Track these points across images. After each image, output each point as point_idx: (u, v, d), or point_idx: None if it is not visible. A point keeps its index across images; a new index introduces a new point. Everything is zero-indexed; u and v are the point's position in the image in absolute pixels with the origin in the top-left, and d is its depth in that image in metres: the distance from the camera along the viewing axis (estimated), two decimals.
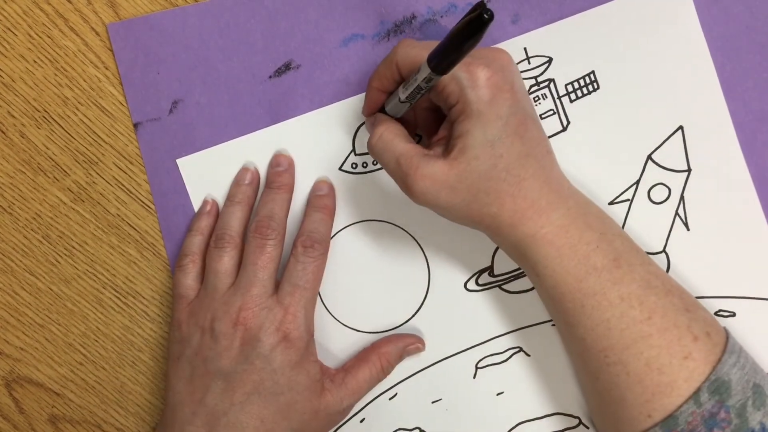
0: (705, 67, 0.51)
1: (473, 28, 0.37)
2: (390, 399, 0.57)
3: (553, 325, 0.55)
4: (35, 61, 0.54)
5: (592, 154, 0.53)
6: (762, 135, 0.52)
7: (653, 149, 0.52)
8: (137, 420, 0.60)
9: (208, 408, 0.50)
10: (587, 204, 0.48)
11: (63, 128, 0.55)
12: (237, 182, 0.55)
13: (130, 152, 0.56)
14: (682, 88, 0.52)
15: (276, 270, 0.53)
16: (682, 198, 0.53)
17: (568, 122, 0.53)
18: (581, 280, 0.46)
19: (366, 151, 0.54)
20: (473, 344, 0.56)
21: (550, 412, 0.56)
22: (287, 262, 0.53)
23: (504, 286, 0.55)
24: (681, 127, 0.52)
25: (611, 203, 0.53)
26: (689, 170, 0.52)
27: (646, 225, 0.53)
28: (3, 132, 0.55)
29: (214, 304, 0.52)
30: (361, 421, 0.58)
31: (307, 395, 0.52)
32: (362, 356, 0.55)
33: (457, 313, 0.56)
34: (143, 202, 0.56)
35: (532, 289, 0.55)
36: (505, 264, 0.55)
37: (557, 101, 0.53)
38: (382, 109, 0.51)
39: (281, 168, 0.54)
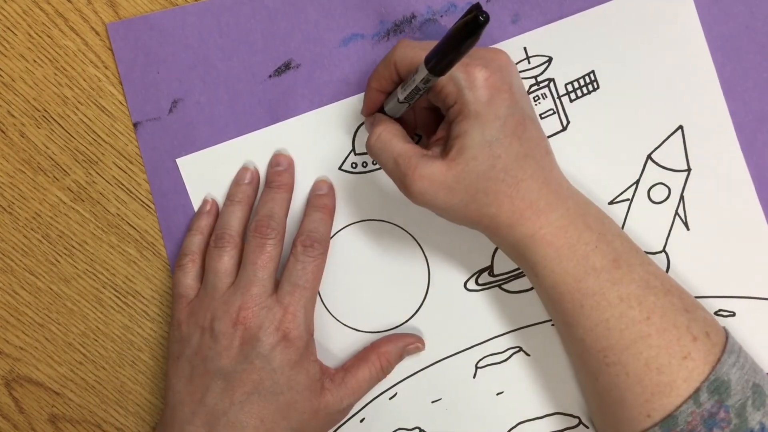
0: (705, 67, 0.51)
1: (469, 31, 0.37)
2: (390, 399, 0.57)
3: (553, 324, 0.55)
4: (35, 61, 0.54)
5: (592, 153, 0.53)
6: (762, 135, 0.52)
7: (653, 149, 0.52)
8: (137, 420, 0.60)
9: (208, 407, 0.50)
10: (586, 204, 0.48)
11: (63, 128, 0.55)
12: (237, 182, 0.55)
13: (129, 152, 0.56)
14: (682, 88, 0.52)
15: (276, 269, 0.53)
16: (681, 198, 0.53)
17: (568, 122, 0.53)
18: (580, 280, 0.46)
19: (366, 150, 0.54)
20: (473, 344, 0.56)
21: (550, 412, 0.56)
22: (287, 262, 0.53)
23: (504, 286, 0.55)
24: (681, 127, 0.52)
25: (611, 203, 0.53)
26: (689, 170, 0.52)
27: (646, 225, 0.53)
28: (3, 131, 0.55)
29: (214, 303, 0.52)
30: (361, 421, 0.58)
31: (307, 395, 0.52)
32: (362, 356, 0.55)
33: (457, 312, 0.56)
34: (143, 202, 0.56)
35: (532, 288, 0.55)
36: (504, 264, 0.55)
37: (557, 101, 0.53)
38: (381, 110, 0.51)
39: (281, 167, 0.54)
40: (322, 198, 0.54)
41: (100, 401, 0.60)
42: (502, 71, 0.45)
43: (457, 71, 0.44)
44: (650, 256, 0.52)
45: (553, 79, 0.52)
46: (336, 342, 0.57)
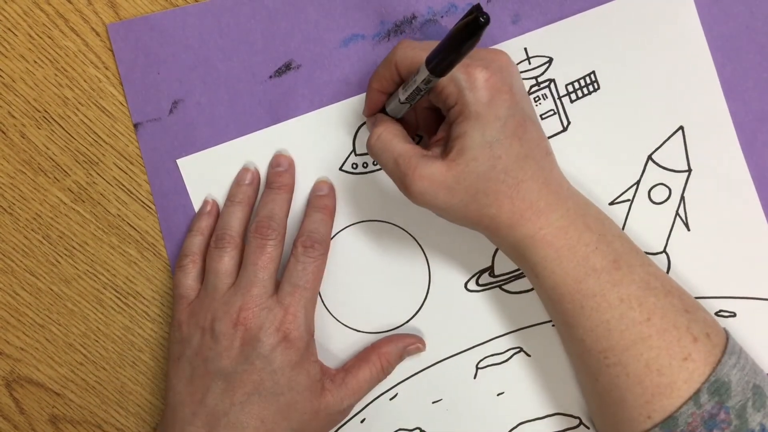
0: (705, 67, 0.51)
1: (469, 32, 0.37)
2: (390, 399, 0.57)
3: (553, 325, 0.55)
4: (35, 62, 0.54)
5: (592, 154, 0.53)
6: (762, 135, 0.52)
7: (653, 149, 0.52)
8: (137, 420, 0.60)
9: (209, 408, 0.50)
10: (586, 205, 0.48)
11: (63, 128, 0.55)
12: (237, 182, 0.55)
13: (130, 152, 0.56)
14: (682, 88, 0.52)
15: (276, 270, 0.53)
16: (682, 198, 0.53)
17: (569, 122, 0.53)
18: (580, 281, 0.46)
19: (366, 151, 0.54)
20: (473, 344, 0.56)
21: (550, 413, 0.56)
22: (287, 262, 0.53)
23: (504, 287, 0.55)
24: (681, 128, 0.52)
25: (611, 203, 0.53)
26: (689, 170, 0.52)
27: (647, 225, 0.53)
28: (3, 132, 0.55)
29: (215, 304, 0.52)
30: (362, 422, 0.58)
31: (308, 395, 0.52)
32: (362, 356, 0.55)
33: (458, 313, 0.56)
34: (143, 203, 0.56)
35: (533, 289, 0.55)
36: (505, 264, 0.55)
37: (557, 101, 0.53)
38: (383, 110, 0.51)
39: (281, 168, 0.54)
40: (322, 198, 0.54)
41: (100, 402, 0.60)
42: (502, 72, 0.45)
43: (458, 72, 0.44)
44: (651, 256, 0.52)
45: (553, 80, 0.52)
46: (336, 342, 0.57)
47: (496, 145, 0.44)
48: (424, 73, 0.42)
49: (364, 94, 0.53)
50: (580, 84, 0.52)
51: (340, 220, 0.56)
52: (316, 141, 0.55)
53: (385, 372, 0.55)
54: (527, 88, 0.52)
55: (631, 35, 0.51)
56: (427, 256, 0.55)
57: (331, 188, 0.55)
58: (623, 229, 0.53)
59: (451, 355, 0.56)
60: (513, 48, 0.52)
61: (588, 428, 0.56)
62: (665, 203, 0.53)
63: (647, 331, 0.45)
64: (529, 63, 0.52)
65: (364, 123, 0.54)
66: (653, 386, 0.45)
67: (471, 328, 0.56)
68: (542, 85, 0.52)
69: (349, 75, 0.54)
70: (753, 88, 0.51)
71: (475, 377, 0.56)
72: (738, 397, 0.44)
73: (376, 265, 0.56)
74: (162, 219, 0.56)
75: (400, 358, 0.55)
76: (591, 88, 0.52)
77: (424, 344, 0.56)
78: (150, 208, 0.56)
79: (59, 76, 0.55)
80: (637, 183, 0.53)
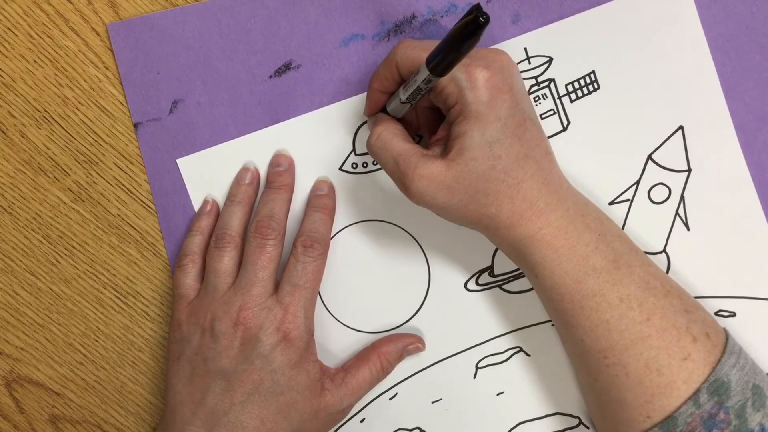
0: (705, 67, 0.51)
1: (469, 31, 0.37)
2: (390, 399, 0.57)
3: (553, 325, 0.55)
4: (35, 61, 0.54)
5: (592, 154, 0.53)
6: (762, 135, 0.52)
7: (653, 149, 0.52)
8: (137, 420, 0.60)
9: (208, 408, 0.50)
10: (586, 205, 0.48)
11: (63, 128, 0.55)
12: (237, 182, 0.55)
13: (130, 152, 0.56)
14: (682, 88, 0.52)
15: (276, 270, 0.53)
16: (682, 198, 0.53)
17: (569, 122, 0.53)
18: (580, 281, 0.46)
19: (366, 151, 0.54)
20: (473, 344, 0.56)
21: (550, 412, 0.56)
22: (287, 262, 0.53)
23: (504, 286, 0.55)
24: (681, 127, 0.52)
25: (611, 203, 0.53)
26: (689, 170, 0.52)
27: (647, 225, 0.53)
28: (3, 132, 0.55)
29: (215, 303, 0.52)
30: (362, 421, 0.58)
31: (307, 395, 0.52)
32: (362, 356, 0.55)
33: (457, 313, 0.56)
34: (143, 202, 0.56)
35: (532, 289, 0.55)
36: (505, 264, 0.55)
37: (557, 101, 0.53)
38: (383, 110, 0.51)
39: (281, 168, 0.54)
40: (322, 198, 0.54)
41: (100, 401, 0.60)
42: (503, 72, 0.45)
43: (458, 72, 0.44)
44: (651, 256, 0.52)
45: (553, 80, 0.52)
46: (336, 342, 0.57)
47: (496, 144, 0.44)
48: (425, 73, 0.42)
49: (364, 94, 0.53)
50: (579, 84, 0.52)
51: (340, 219, 0.56)
52: (316, 141, 0.55)
53: (385, 372, 0.55)
54: (527, 88, 0.52)
55: (631, 35, 0.51)
56: (426, 255, 0.55)
57: (331, 188, 0.55)
58: (623, 228, 0.53)
59: (450, 354, 0.56)
60: (513, 48, 0.52)
61: (587, 428, 0.56)
62: (665, 203, 0.53)
63: (647, 331, 0.45)
64: (529, 63, 0.52)
65: (363, 123, 0.54)
66: (653, 386, 0.45)
67: (471, 327, 0.56)
68: (542, 85, 0.52)
69: (349, 75, 0.54)
70: (753, 88, 0.51)
71: (474, 377, 0.56)
72: (737, 397, 0.44)
73: (376, 264, 0.56)
74: (162, 219, 0.56)
75: (400, 357, 0.55)
76: (591, 87, 0.52)
77: (423, 344, 0.56)
78: (150, 207, 0.56)
79: (59, 76, 0.55)
80: (637, 183, 0.53)
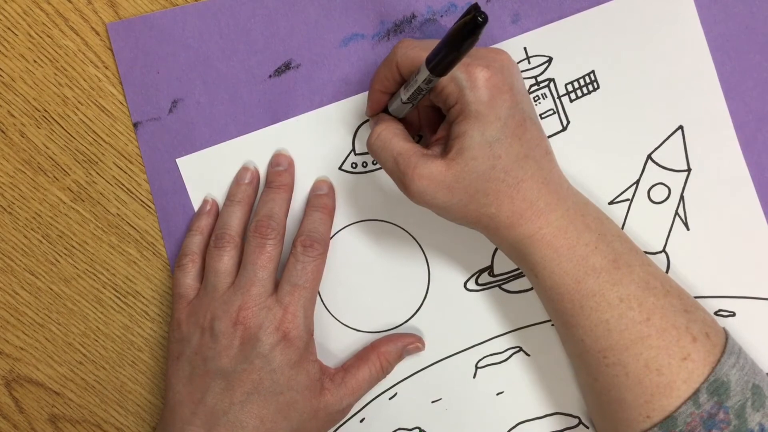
0: (705, 67, 0.51)
1: (468, 31, 0.37)
2: (390, 399, 0.57)
3: (553, 325, 0.55)
4: (35, 61, 0.54)
5: (591, 153, 0.53)
6: (762, 135, 0.52)
7: (653, 149, 0.52)
8: (137, 419, 0.60)
9: (208, 407, 0.50)
10: (586, 205, 0.48)
11: (63, 128, 0.55)
12: (237, 182, 0.55)
13: (130, 152, 0.56)
14: (682, 87, 0.52)
15: (276, 269, 0.53)
16: (681, 198, 0.53)
17: (568, 122, 0.53)
18: (580, 281, 0.46)
19: (366, 150, 0.54)
20: (473, 344, 0.56)
21: (549, 412, 0.56)
22: (287, 262, 0.53)
23: (504, 286, 0.55)
24: (681, 127, 0.52)
25: (611, 203, 0.53)
26: (689, 170, 0.52)
27: (646, 225, 0.53)
28: (3, 131, 0.55)
29: (214, 303, 0.52)
30: (361, 421, 0.58)
31: (307, 394, 0.52)
32: (362, 355, 0.55)
33: (457, 312, 0.56)
34: (143, 202, 0.56)
35: (532, 289, 0.55)
36: (504, 264, 0.55)
37: (557, 101, 0.53)
38: (385, 110, 0.51)
39: (281, 167, 0.54)
40: (322, 198, 0.54)
41: (100, 401, 0.60)
42: (503, 71, 0.45)
43: (459, 71, 0.44)
44: (650, 256, 0.52)
45: (553, 79, 0.52)
46: (336, 342, 0.57)
47: (496, 144, 0.44)
48: (425, 73, 0.42)
49: (364, 94, 0.53)
50: (579, 83, 0.52)
51: (340, 219, 0.56)
52: (316, 140, 0.55)
53: (385, 371, 0.55)
54: (527, 88, 0.52)
55: (630, 35, 0.51)
56: (426, 255, 0.55)
57: (331, 187, 0.55)
58: (623, 228, 0.53)
59: (450, 354, 0.56)
60: (513, 47, 0.52)
61: (587, 428, 0.56)
62: (665, 203, 0.53)
63: (646, 331, 0.45)
64: (529, 62, 0.52)
65: (363, 123, 0.54)
66: (652, 386, 0.45)
67: (470, 327, 0.56)
68: (542, 85, 0.52)
69: (349, 74, 0.54)
70: (753, 88, 0.51)
71: (474, 377, 0.56)
72: (737, 397, 0.44)
73: (376, 264, 0.56)
74: (161, 218, 0.56)
75: (400, 357, 0.55)
76: (590, 87, 0.52)
77: (423, 344, 0.56)
78: (149, 207, 0.56)
79: (59, 76, 0.55)
80: (637, 182, 0.53)
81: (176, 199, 0.56)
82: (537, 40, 0.52)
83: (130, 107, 0.55)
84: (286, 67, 0.54)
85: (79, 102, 0.55)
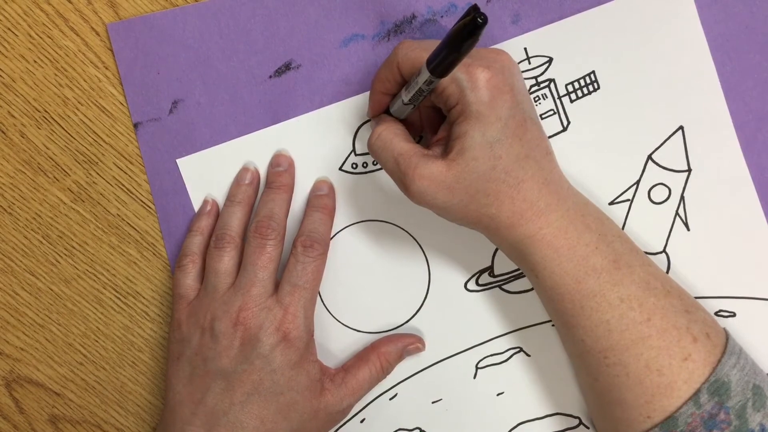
0: (705, 67, 0.51)
1: (467, 32, 0.37)
2: (390, 399, 0.57)
3: (553, 325, 0.55)
4: (35, 61, 0.54)
5: (592, 154, 0.53)
6: (762, 135, 0.52)
7: (653, 149, 0.52)
8: (137, 420, 0.60)
9: (208, 408, 0.50)
10: (586, 205, 0.48)
11: (63, 128, 0.55)
12: (237, 182, 0.55)
13: (130, 152, 0.56)
14: (682, 88, 0.52)
15: (276, 270, 0.53)
16: (682, 198, 0.53)
17: (569, 122, 0.53)
18: (580, 281, 0.46)
19: (366, 151, 0.54)
20: (473, 344, 0.56)
21: (550, 413, 0.56)
22: (287, 262, 0.53)
23: (504, 287, 0.55)
24: (681, 127, 0.52)
25: (611, 203, 0.53)
26: (689, 170, 0.52)
27: (646, 225, 0.53)
28: (3, 132, 0.55)
29: (214, 304, 0.52)
30: (362, 422, 0.58)
31: (307, 395, 0.52)
32: (362, 356, 0.55)
33: (457, 313, 0.56)
34: (143, 202, 0.56)
35: (532, 289, 0.55)
36: (505, 264, 0.55)
37: (557, 101, 0.53)
38: (387, 111, 0.51)
39: (281, 168, 0.54)
40: (322, 198, 0.54)
41: (100, 402, 0.60)
42: (504, 72, 0.45)
43: (459, 72, 0.44)
44: (651, 256, 0.52)
45: (553, 80, 0.52)
46: (336, 342, 0.57)
47: (497, 145, 0.44)
48: (426, 74, 0.42)
49: (364, 94, 0.53)
50: (579, 84, 0.52)
51: (340, 219, 0.56)
52: (316, 141, 0.55)
53: (385, 372, 0.55)
54: (527, 88, 0.52)
55: (631, 35, 0.51)
56: (426, 256, 0.55)
57: (331, 188, 0.55)
58: (623, 228, 0.53)
59: (450, 355, 0.56)
60: (513, 48, 0.52)
61: (587, 428, 0.56)
62: (665, 203, 0.53)
63: (647, 331, 0.45)
64: (529, 63, 0.52)
65: (363, 123, 0.54)
66: (653, 386, 0.45)
67: (471, 328, 0.56)
68: (542, 85, 0.52)
69: (349, 75, 0.54)
70: (753, 88, 0.51)
71: (474, 377, 0.56)
72: (738, 398, 0.44)
73: (376, 265, 0.56)
74: (162, 219, 0.56)
75: (400, 357, 0.55)
76: (591, 87, 0.52)
77: (423, 344, 0.56)
78: (150, 207, 0.56)
79: (59, 76, 0.55)
80: (637, 183, 0.53)
81: (176, 199, 0.56)
82: (537, 40, 0.52)
83: (131, 108, 0.55)
84: (287, 67, 0.54)
85: (79, 102, 0.55)
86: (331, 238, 0.55)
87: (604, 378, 0.47)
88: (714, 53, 0.51)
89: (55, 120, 0.55)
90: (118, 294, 0.58)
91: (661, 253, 0.53)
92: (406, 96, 0.46)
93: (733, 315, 0.53)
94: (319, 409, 0.52)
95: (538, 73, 0.52)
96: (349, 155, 0.55)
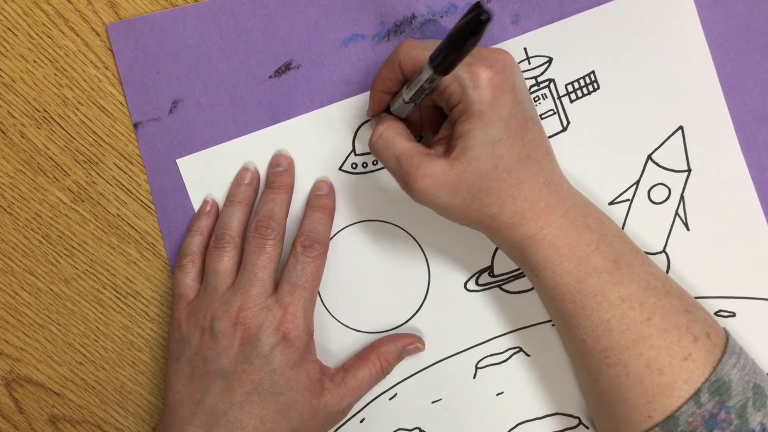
0: (705, 67, 0.51)
1: (471, 29, 0.37)
2: (390, 399, 0.57)
3: (553, 325, 0.55)
4: (35, 61, 0.54)
5: (592, 154, 0.53)
6: (762, 135, 0.52)
7: (653, 149, 0.52)
8: (137, 420, 0.60)
9: (208, 408, 0.50)
10: (586, 205, 0.48)
11: (63, 128, 0.55)
12: (237, 182, 0.55)
13: (130, 152, 0.56)
14: (682, 88, 0.52)
15: (275, 270, 0.53)
16: (682, 198, 0.53)
17: (568, 122, 0.53)
18: (581, 281, 0.46)
19: (366, 151, 0.54)
20: (473, 344, 0.56)
21: (550, 412, 0.56)
22: (287, 262, 0.53)
23: (504, 286, 0.55)
24: (681, 127, 0.52)
25: (611, 203, 0.53)
26: (689, 170, 0.52)
27: (646, 225, 0.53)
28: (3, 132, 0.55)
29: (214, 303, 0.52)
30: (361, 421, 0.58)
31: (307, 395, 0.52)
32: (362, 356, 0.55)
33: (457, 313, 0.56)
34: (143, 202, 0.56)
35: (532, 289, 0.55)
36: (505, 264, 0.55)
37: (557, 101, 0.53)
38: (387, 110, 0.51)
39: (281, 168, 0.54)
40: (322, 198, 0.54)
41: (100, 402, 0.60)
42: (505, 72, 0.45)
43: (462, 71, 0.44)
44: (650, 256, 0.52)
45: (553, 80, 0.52)
46: (336, 342, 0.57)
47: (499, 144, 0.44)
48: (428, 72, 0.42)
49: (364, 94, 0.53)
50: (579, 84, 0.52)
51: (340, 219, 0.56)
52: (316, 141, 0.55)
53: (385, 372, 0.55)
54: (527, 88, 0.52)
55: (630, 35, 0.52)
56: (426, 255, 0.55)
57: (331, 188, 0.55)
58: (623, 228, 0.53)
59: (450, 354, 0.56)
60: (513, 48, 0.52)
61: (587, 428, 0.56)
62: (665, 203, 0.53)
63: (648, 331, 0.45)
64: (529, 63, 0.52)
65: (363, 123, 0.54)
66: (654, 386, 0.45)
67: (470, 328, 0.56)
68: (542, 85, 0.52)
69: (349, 75, 0.54)
70: (753, 88, 0.51)
71: (474, 377, 0.56)
72: (738, 397, 0.44)
73: (376, 265, 0.56)
74: (161, 219, 0.56)
75: (400, 357, 0.55)
76: (591, 87, 0.52)
77: (423, 344, 0.56)
78: (149, 207, 0.56)
79: (59, 76, 0.54)
80: (637, 183, 0.53)
81: (176, 199, 0.56)
82: (537, 40, 0.52)
83: (130, 108, 0.55)
84: (286, 67, 0.54)
85: (79, 102, 0.55)
86: (331, 238, 0.55)
87: (604, 378, 0.47)
88: (714, 53, 0.51)
89: (55, 120, 0.55)
90: (117, 294, 0.58)
91: (660, 253, 0.53)
92: (407, 94, 0.46)
93: (733, 315, 0.53)
94: (318, 408, 0.52)
95: (538, 73, 0.52)
96: (349, 155, 0.55)
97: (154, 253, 0.57)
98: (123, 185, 0.56)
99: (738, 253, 0.53)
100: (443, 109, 0.48)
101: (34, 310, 0.58)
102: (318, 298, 0.56)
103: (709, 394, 0.44)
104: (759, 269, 0.53)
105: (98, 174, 0.56)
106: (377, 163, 0.54)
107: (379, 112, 0.51)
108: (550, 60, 0.52)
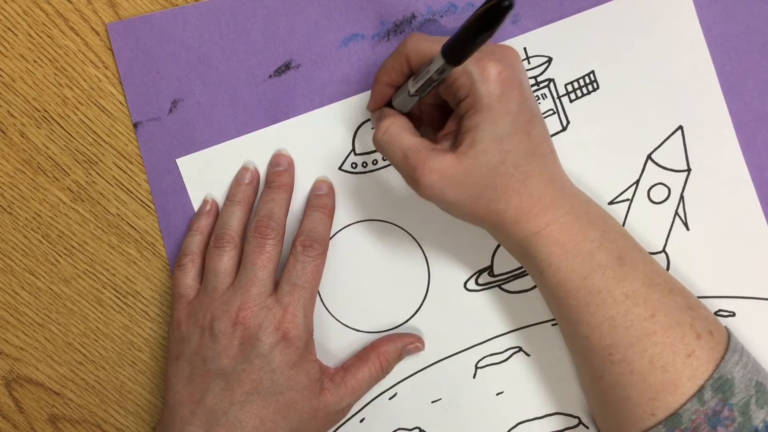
0: (705, 67, 0.51)
1: (493, 17, 0.36)
2: (390, 399, 0.57)
3: (553, 324, 0.55)
4: (35, 61, 0.54)
5: (591, 153, 0.53)
6: (762, 135, 0.52)
7: (653, 149, 0.53)
8: (137, 419, 0.60)
9: (208, 407, 0.50)
10: (589, 203, 0.48)
11: (63, 128, 0.55)
12: (237, 182, 0.55)
13: (129, 152, 0.56)
14: (682, 88, 0.52)
15: (275, 269, 0.53)
16: (681, 198, 0.53)
17: (568, 122, 0.53)
18: (586, 277, 0.46)
19: (366, 150, 0.54)
20: (473, 344, 0.56)
21: (549, 412, 0.56)
22: (286, 262, 0.53)
23: (504, 286, 0.55)
24: (681, 127, 0.52)
25: (611, 203, 0.53)
26: (689, 170, 0.53)
27: (646, 225, 0.53)
28: (3, 132, 0.55)
29: (214, 303, 0.52)
30: (361, 421, 0.57)
31: (307, 394, 0.52)
32: (361, 355, 0.55)
33: (457, 312, 0.56)
34: (143, 202, 0.56)
35: (532, 288, 0.55)
36: (504, 264, 0.55)
37: (557, 101, 0.53)
38: (388, 104, 0.50)
39: (281, 168, 0.54)
40: (321, 198, 0.54)
41: (99, 401, 0.59)
42: (513, 67, 0.45)
43: (471, 65, 0.44)
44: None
45: (553, 79, 0.52)
46: (336, 342, 0.57)
47: (506, 139, 0.44)
48: (439, 62, 0.42)
49: (363, 94, 0.53)
50: (579, 84, 0.52)
51: (340, 219, 0.56)
52: (316, 140, 0.55)
53: (385, 371, 0.55)
54: None
55: (630, 35, 0.52)
56: (426, 255, 0.55)
57: (331, 188, 0.55)
58: None
59: (450, 354, 0.56)
60: (513, 47, 0.52)
61: (587, 428, 0.56)
62: (664, 203, 0.53)
63: (652, 328, 0.45)
64: (529, 62, 0.52)
65: (363, 123, 0.54)
66: (657, 383, 0.45)
67: (470, 327, 0.56)
68: (542, 85, 0.53)
69: (349, 75, 0.54)
70: (753, 88, 0.51)
71: (474, 377, 0.56)
72: (741, 394, 0.44)
73: (376, 264, 0.56)
74: (161, 218, 0.56)
75: (400, 357, 0.55)
76: (590, 87, 0.52)
77: (423, 343, 0.56)
78: (149, 207, 0.56)
79: (59, 76, 0.54)
80: (637, 182, 0.53)
81: (176, 199, 0.56)
82: (537, 40, 0.52)
83: (130, 107, 0.55)
84: (286, 67, 0.54)
85: (79, 102, 0.55)
86: (331, 238, 0.55)
87: (608, 375, 0.47)
88: (713, 53, 0.51)
89: (54, 120, 0.55)
90: (117, 293, 0.58)
91: (660, 252, 0.53)
92: (413, 87, 0.46)
93: (733, 315, 0.53)
94: (318, 408, 0.52)
95: (538, 73, 0.52)
96: (348, 155, 0.55)
97: (153, 253, 0.57)
98: (123, 185, 0.56)
99: (738, 253, 0.53)
100: (449, 103, 0.48)
101: (34, 309, 0.58)
102: (318, 297, 0.56)
103: (712, 392, 0.44)
104: (759, 269, 0.53)
105: (98, 174, 0.56)
106: (377, 162, 0.54)
107: (380, 106, 0.51)
108: (550, 60, 0.52)
